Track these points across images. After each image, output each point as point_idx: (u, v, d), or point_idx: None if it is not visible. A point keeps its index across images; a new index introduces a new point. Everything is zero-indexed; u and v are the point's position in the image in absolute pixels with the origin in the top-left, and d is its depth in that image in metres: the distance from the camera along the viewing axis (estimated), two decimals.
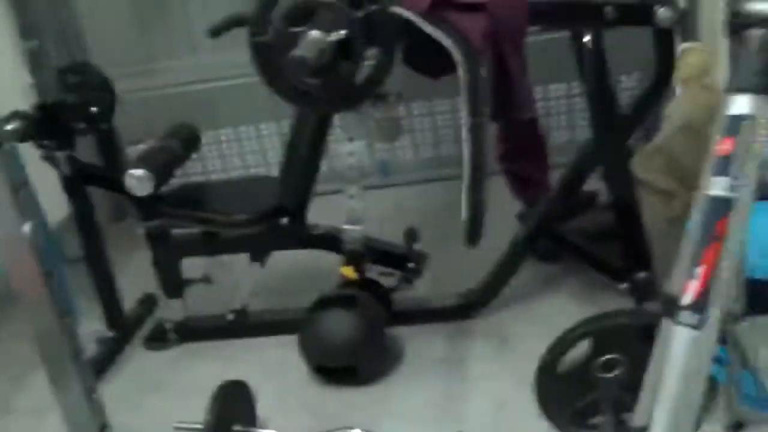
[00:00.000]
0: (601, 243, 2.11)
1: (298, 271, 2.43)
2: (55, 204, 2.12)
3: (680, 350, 0.86)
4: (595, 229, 2.18)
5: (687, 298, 0.84)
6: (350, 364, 1.93)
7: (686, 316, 0.85)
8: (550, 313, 2.08)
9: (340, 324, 1.92)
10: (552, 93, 2.90)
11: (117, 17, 2.99)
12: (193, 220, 2.13)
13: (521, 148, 1.99)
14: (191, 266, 2.22)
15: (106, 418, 1.32)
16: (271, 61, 1.62)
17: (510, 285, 2.14)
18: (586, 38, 1.86)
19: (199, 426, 1.62)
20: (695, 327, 0.84)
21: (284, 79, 1.62)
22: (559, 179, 2.10)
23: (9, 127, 1.93)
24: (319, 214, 2.17)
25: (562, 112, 2.93)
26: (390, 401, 1.89)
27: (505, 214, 2.26)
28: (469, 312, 2.14)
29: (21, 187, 1.17)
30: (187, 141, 2.20)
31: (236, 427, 1.66)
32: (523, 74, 1.77)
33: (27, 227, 1.17)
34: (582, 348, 1.57)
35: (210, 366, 2.13)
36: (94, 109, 2.12)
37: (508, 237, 2.13)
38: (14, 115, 1.97)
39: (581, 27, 1.86)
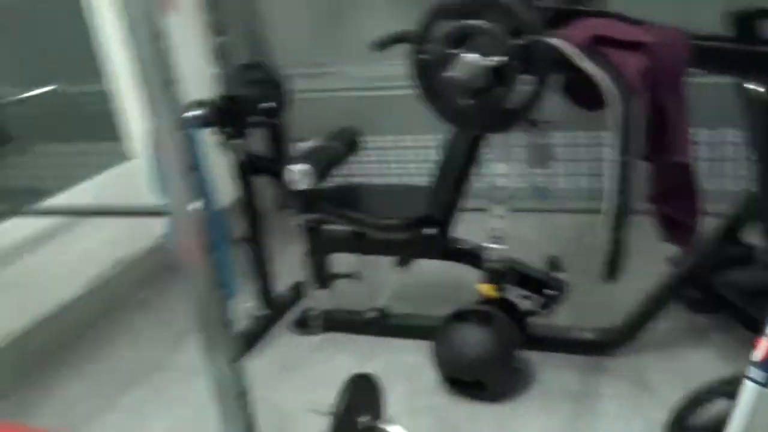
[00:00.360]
0: (756, 301, 2.00)
1: (439, 281, 2.49)
2: (228, 187, 2.30)
3: (745, 405, 0.83)
4: (751, 286, 2.06)
5: (757, 355, 0.82)
6: (479, 379, 1.96)
7: (755, 372, 0.82)
8: (692, 365, 2.01)
9: (473, 339, 1.96)
10: (719, 138, 2.77)
11: (297, 22, 3.18)
12: (344, 218, 2.24)
13: (673, 190, 1.93)
14: (341, 261, 2.34)
15: (246, 387, 1.44)
16: (429, 79, 1.68)
17: (653, 329, 2.08)
18: (756, 87, 1.77)
19: (329, 411, 1.71)
20: (762, 384, 0.82)
21: (440, 97, 1.68)
22: (716, 228, 2.01)
23: (193, 113, 2.12)
24: (467, 229, 2.21)
25: (727, 158, 2.80)
26: (515, 422, 1.90)
27: (655, 256, 2.19)
28: (606, 348, 2.10)
29: (194, 169, 1.29)
30: (349, 143, 2.32)
31: (362, 419, 1.73)
32: (682, 116, 1.72)
33: (196, 205, 1.30)
34: (720, 406, 1.51)
35: (347, 357, 2.23)
36: (268, 104, 2.28)
37: (655, 279, 2.07)
38: (199, 103, 2.16)
39: (750, 76, 1.78)
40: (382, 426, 1.77)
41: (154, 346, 2.46)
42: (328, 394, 1.75)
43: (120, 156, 2.81)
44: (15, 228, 2.35)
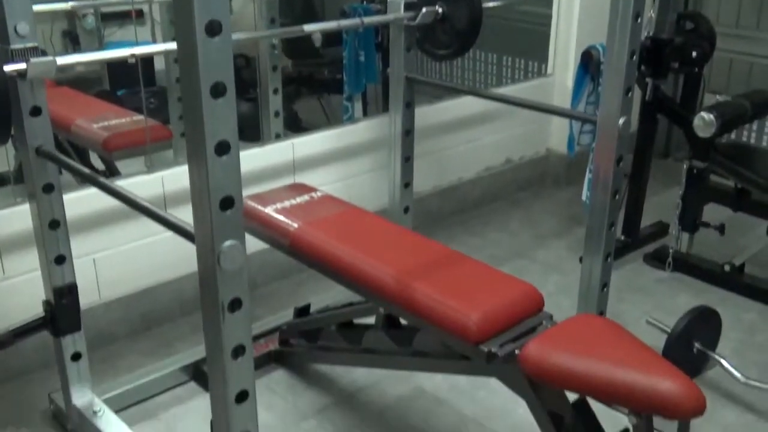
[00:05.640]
0: None
1: None
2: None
3: None
4: None
5: None
6: None
7: None
8: None
9: None
10: None
11: None
12: (735, 174, 2.36)
13: None
14: (711, 212, 2.51)
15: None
16: None
17: None
18: None
19: (667, 328, 1.94)
20: None
21: None
22: None
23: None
24: None
25: None
26: None
27: None
28: None
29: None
30: (758, 105, 2.39)
31: (697, 344, 1.93)
32: None
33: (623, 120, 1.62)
34: None
35: (688, 297, 2.40)
36: (693, 53, 2.43)
37: None
38: None
39: None
40: (716, 356, 1.94)
41: (518, 239, 2.87)
42: (666, 318, 1.95)
43: (542, 72, 3.22)
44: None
